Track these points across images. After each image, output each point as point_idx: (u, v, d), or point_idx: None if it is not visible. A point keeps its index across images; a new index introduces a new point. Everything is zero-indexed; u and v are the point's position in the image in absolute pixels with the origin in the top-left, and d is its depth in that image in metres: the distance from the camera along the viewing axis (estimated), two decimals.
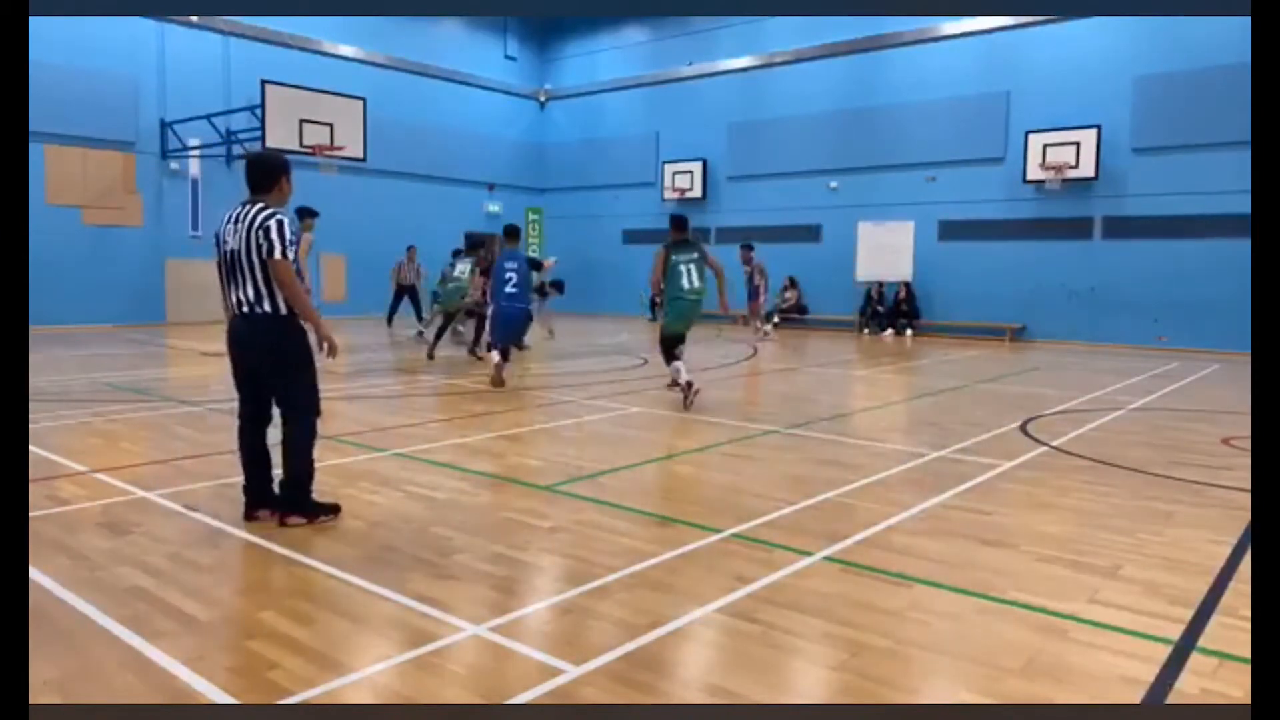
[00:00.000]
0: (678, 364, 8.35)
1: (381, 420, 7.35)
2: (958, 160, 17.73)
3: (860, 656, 2.92)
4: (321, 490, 4.58)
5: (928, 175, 18.17)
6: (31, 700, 2.53)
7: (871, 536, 4.24)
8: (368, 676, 2.73)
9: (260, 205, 4.23)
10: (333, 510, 4.39)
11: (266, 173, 4.32)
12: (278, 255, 4.11)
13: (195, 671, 2.72)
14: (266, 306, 4.17)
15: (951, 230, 17.94)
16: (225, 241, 4.26)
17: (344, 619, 3.19)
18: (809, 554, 3.94)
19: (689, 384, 8.16)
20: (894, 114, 18.55)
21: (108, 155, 16.58)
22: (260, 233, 4.12)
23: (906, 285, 18.30)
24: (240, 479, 4.44)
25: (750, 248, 16.87)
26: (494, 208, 24.12)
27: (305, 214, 10.29)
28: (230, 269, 4.23)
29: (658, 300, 11.32)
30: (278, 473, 4.36)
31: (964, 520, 4.56)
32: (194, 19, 17.45)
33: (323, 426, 4.42)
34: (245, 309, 4.19)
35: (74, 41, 15.87)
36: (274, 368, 4.27)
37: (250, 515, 4.35)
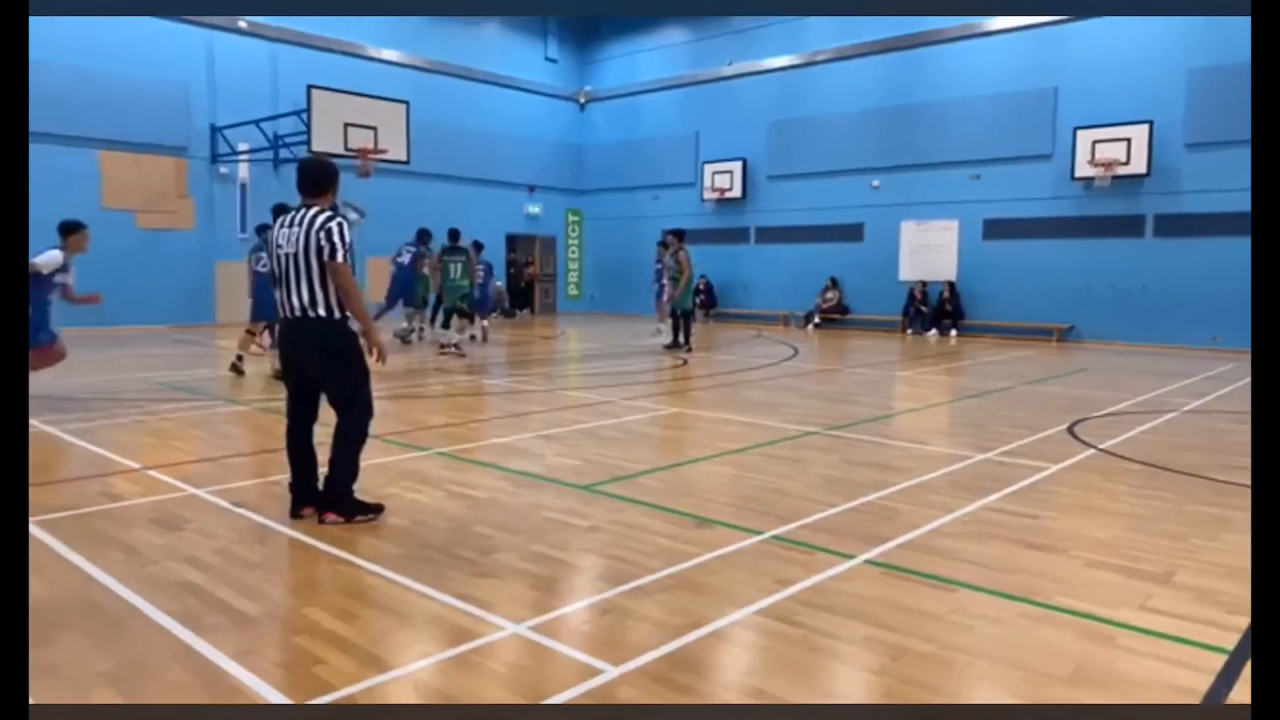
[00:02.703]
0: (453, 333, 12.86)
1: (424, 419, 7.44)
2: (1004, 158, 17.41)
3: (901, 660, 2.89)
4: (365, 488, 4.65)
5: (973, 173, 17.88)
6: (88, 693, 2.61)
7: (914, 539, 4.18)
8: (410, 673, 2.76)
9: (317, 209, 4.30)
10: (373, 510, 4.42)
11: (320, 179, 4.39)
12: (339, 258, 4.18)
13: (243, 666, 2.77)
14: (320, 310, 4.23)
15: (997, 229, 17.63)
16: (279, 246, 4.32)
17: (387, 616, 3.23)
18: (850, 557, 3.90)
19: (456, 345, 12.55)
20: (938, 111, 18.28)
21: (161, 160, 17.03)
22: (322, 234, 4.18)
23: (950, 285, 18.02)
24: (287, 477, 4.52)
25: (665, 245, 16.07)
26: (534, 209, 24.28)
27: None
28: (284, 273, 4.28)
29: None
30: (324, 471, 4.44)
31: (1009, 524, 4.48)
32: (242, 24, 17.83)
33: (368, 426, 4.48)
34: (299, 313, 4.25)
35: (127, 50, 16.33)
36: (327, 370, 4.32)
37: (296, 513, 4.43)
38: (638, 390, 9.49)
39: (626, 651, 2.92)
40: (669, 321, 16.56)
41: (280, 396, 7.58)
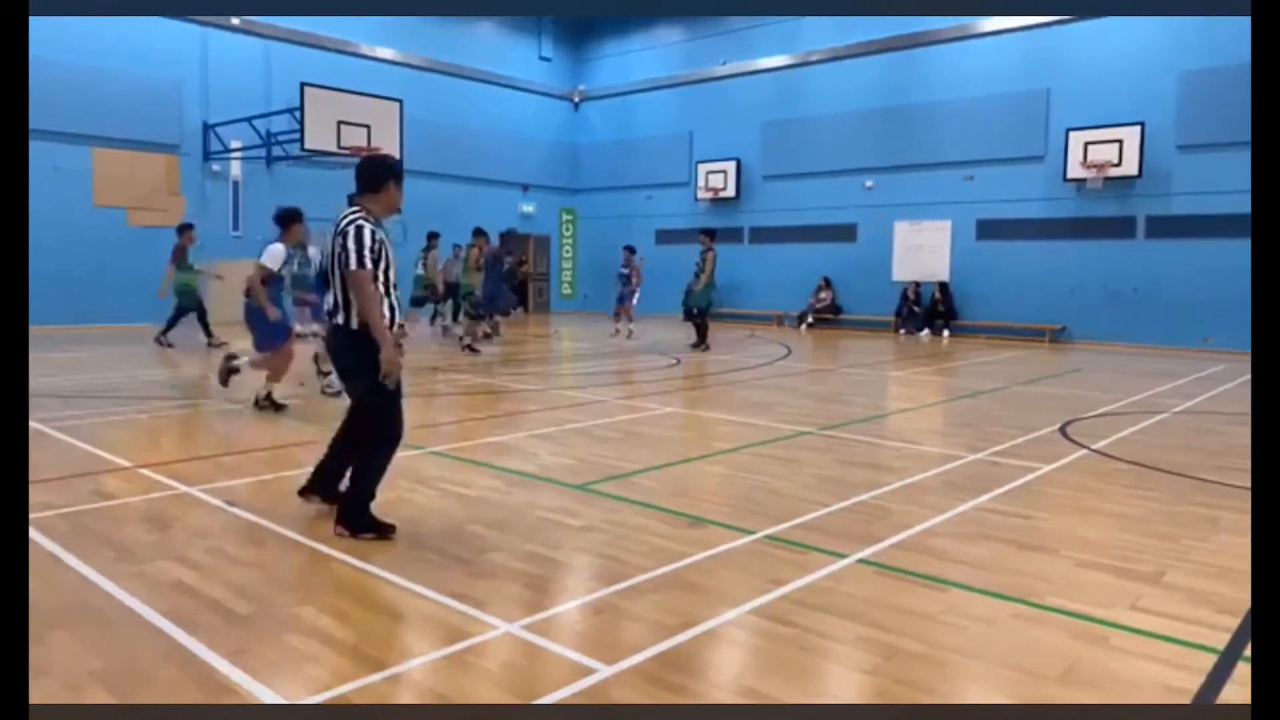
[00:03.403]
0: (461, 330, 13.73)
1: (419, 418, 7.43)
2: (997, 159, 17.47)
3: (894, 661, 2.89)
4: None
5: (966, 174, 17.94)
6: (80, 692, 2.60)
7: (907, 539, 4.20)
8: (403, 673, 2.76)
9: (351, 211, 4.06)
10: (381, 530, 4.09)
11: (371, 174, 4.12)
12: (353, 265, 3.90)
13: (235, 665, 2.76)
14: (340, 318, 4.04)
15: (990, 229, 17.69)
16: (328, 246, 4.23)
17: (380, 615, 3.22)
18: (843, 556, 3.91)
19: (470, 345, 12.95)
20: (931, 112, 18.33)
21: (153, 158, 16.94)
22: (339, 239, 3.96)
23: (943, 285, 18.08)
24: (277, 475, 4.50)
25: (632, 250, 16.80)
26: (528, 208, 24.25)
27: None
28: (328, 276, 4.16)
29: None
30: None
31: (1002, 524, 4.50)
32: (235, 22, 17.76)
33: None
34: (329, 318, 4.18)
35: (121, 46, 16.27)
36: (349, 380, 4.21)
37: (303, 491, 4.43)
38: (632, 390, 9.49)
39: (619, 651, 2.92)
40: (627, 322, 16.59)
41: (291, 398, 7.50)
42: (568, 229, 25.51)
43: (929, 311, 18.14)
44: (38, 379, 9.24)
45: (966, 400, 9.18)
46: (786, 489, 5.16)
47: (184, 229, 13.27)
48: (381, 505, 4.56)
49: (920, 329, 18.04)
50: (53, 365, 10.74)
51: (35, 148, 15.56)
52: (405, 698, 2.63)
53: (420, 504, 4.72)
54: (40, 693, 2.55)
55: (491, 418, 7.70)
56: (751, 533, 4.25)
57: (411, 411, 7.80)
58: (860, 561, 3.86)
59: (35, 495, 4.71)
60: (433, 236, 15.56)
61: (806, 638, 3.06)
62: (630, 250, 16.76)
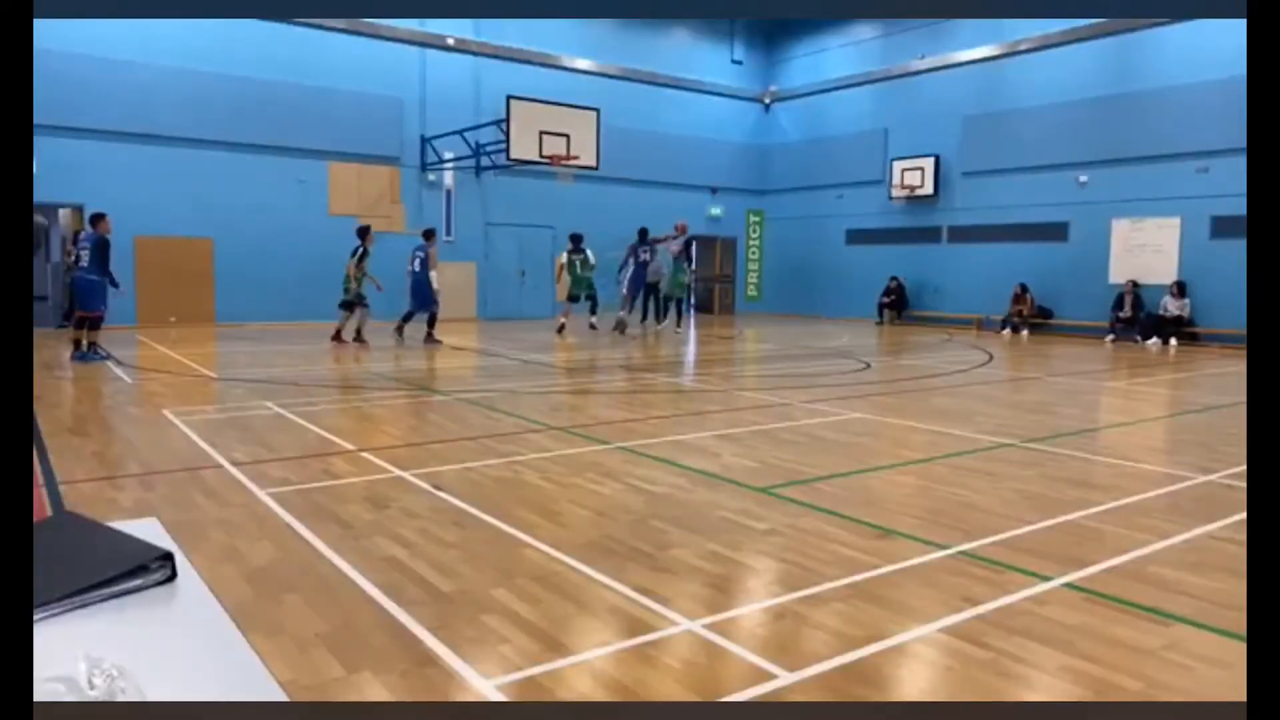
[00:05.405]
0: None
1: (606, 414, 7.66)
2: (1235, 149, 15.53)
3: (1107, 698, 2.66)
4: (551, 478, 4.83)
5: (1199, 166, 16.15)
6: (306, 651, 2.89)
7: (1121, 565, 3.84)
8: (587, 661, 2.86)
9: None
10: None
11: None
12: None
13: (438, 639, 2.97)
14: None
15: (1227, 227, 15.79)
16: None
17: (568, 602, 3.36)
18: (1047, 579, 3.64)
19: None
20: (1157, 99, 16.64)
21: (378, 170, 18.59)
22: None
23: (1180, 286, 16.31)
24: (480, 464, 4.79)
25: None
26: (716, 211, 24.38)
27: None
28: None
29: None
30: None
31: (1239, 555, 4.01)
32: (450, 41, 19.10)
33: (556, 418, 4.67)
34: None
35: (351, 68, 17.99)
36: None
37: None
38: (818, 393, 9.31)
39: (802, 659, 2.87)
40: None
41: (477, 389, 8.04)
42: (754, 230, 25.40)
43: (1156, 318, 16.45)
44: (279, 369, 10.38)
45: (1195, 415, 8.27)
46: (983, 503, 4.87)
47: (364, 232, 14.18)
48: (573, 495, 4.76)
49: (1146, 337, 16.38)
50: (293, 357, 12.03)
51: (280, 163, 17.50)
52: (588, 685, 2.72)
53: (606, 496, 4.86)
54: (275, 650, 2.86)
55: (675, 416, 7.81)
56: (944, 547, 4.05)
57: (598, 407, 8.10)
58: (1067, 586, 3.58)
59: (276, 471, 5.30)
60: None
61: (1003, 663, 2.88)
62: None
